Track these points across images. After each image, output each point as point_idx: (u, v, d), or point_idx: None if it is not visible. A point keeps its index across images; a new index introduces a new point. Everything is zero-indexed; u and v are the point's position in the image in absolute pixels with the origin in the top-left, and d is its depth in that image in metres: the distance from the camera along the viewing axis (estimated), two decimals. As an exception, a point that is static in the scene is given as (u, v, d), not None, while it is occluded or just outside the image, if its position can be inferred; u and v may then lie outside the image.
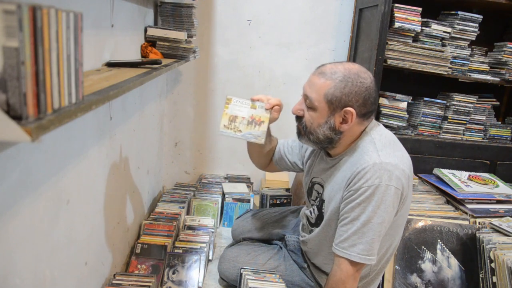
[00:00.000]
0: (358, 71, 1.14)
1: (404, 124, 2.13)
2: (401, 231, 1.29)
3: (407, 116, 2.14)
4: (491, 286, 1.47)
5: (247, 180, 2.40)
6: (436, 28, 2.05)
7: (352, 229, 1.11)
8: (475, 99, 2.19)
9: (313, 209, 1.36)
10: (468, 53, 2.13)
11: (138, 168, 1.72)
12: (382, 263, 1.29)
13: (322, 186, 1.30)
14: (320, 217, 1.32)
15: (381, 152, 1.13)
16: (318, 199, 1.33)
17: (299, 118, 1.23)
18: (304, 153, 1.47)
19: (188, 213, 2.05)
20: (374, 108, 1.18)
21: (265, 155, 1.51)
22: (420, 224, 1.61)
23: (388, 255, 1.28)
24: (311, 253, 1.41)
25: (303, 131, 1.22)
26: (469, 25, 2.09)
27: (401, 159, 1.15)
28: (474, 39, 2.12)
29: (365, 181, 1.10)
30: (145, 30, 1.70)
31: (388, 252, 1.28)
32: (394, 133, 2.08)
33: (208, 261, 1.74)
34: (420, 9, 1.99)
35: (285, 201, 2.15)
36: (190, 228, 1.88)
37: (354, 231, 1.11)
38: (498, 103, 2.30)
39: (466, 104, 2.19)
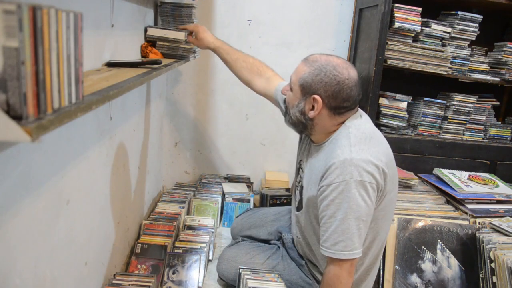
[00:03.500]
0: (337, 65, 1.16)
1: (404, 124, 2.13)
2: (386, 226, 1.29)
3: (407, 116, 2.14)
4: (491, 286, 1.47)
5: (247, 180, 2.40)
6: (436, 28, 2.05)
7: (331, 227, 1.13)
8: (475, 99, 2.19)
9: (297, 193, 1.40)
10: (468, 53, 2.13)
11: (138, 168, 1.72)
12: (370, 258, 1.29)
13: (303, 171, 1.34)
14: (301, 202, 1.35)
15: (353, 147, 1.14)
16: (300, 184, 1.37)
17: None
18: None
19: (188, 213, 2.05)
20: (348, 105, 1.18)
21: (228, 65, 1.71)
22: (420, 224, 1.61)
23: (374, 250, 1.28)
24: (300, 247, 1.43)
25: (286, 111, 1.31)
26: (469, 25, 2.09)
27: (376, 155, 1.14)
28: (474, 39, 2.11)
29: (335, 176, 1.11)
30: (145, 30, 1.70)
31: (373, 247, 1.27)
32: (394, 133, 2.13)
33: (208, 261, 1.74)
34: (420, 9, 1.99)
35: (285, 201, 2.15)
36: (190, 228, 1.88)
37: (334, 230, 1.12)
38: (498, 103, 2.30)
39: (466, 104, 2.19)
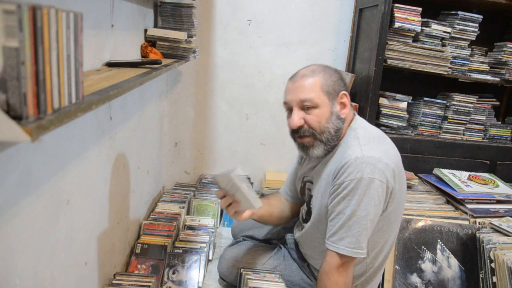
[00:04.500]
0: (324, 65, 1.26)
1: (404, 124, 2.13)
2: (396, 228, 1.30)
3: (407, 116, 2.14)
4: (491, 286, 1.47)
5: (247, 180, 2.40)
6: (436, 28, 2.05)
7: (339, 223, 1.13)
8: (475, 99, 2.19)
9: (304, 205, 1.39)
10: (468, 53, 2.13)
11: (138, 168, 1.72)
12: (379, 260, 1.29)
13: (312, 183, 1.33)
14: (308, 213, 1.34)
15: (364, 146, 1.15)
16: (308, 194, 1.36)
17: (299, 130, 1.21)
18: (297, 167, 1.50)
19: (188, 213, 2.05)
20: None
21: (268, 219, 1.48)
22: (420, 224, 1.61)
23: (384, 252, 1.29)
24: (306, 255, 1.42)
25: (312, 138, 1.21)
26: (469, 25, 2.09)
27: (386, 153, 1.15)
28: (474, 39, 2.11)
29: (347, 175, 1.12)
30: (145, 30, 1.70)
31: (384, 249, 1.28)
32: (394, 133, 2.13)
33: (208, 261, 1.74)
34: (420, 9, 1.99)
35: (285, 201, 2.14)
36: (190, 228, 1.88)
37: (341, 225, 1.12)
38: (498, 103, 2.30)
39: (466, 104, 2.19)
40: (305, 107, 1.18)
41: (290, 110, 1.23)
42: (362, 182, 1.09)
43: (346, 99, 1.22)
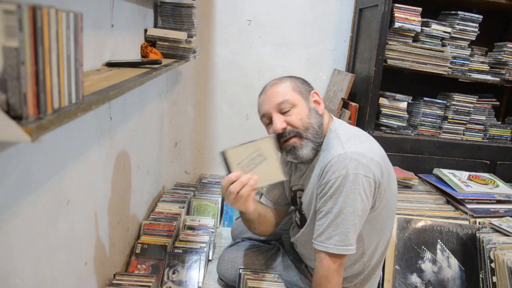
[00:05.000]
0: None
1: (404, 124, 2.13)
2: (390, 225, 1.30)
3: (407, 116, 2.14)
4: (491, 286, 1.47)
5: (247, 180, 2.40)
6: (436, 28, 2.05)
7: (326, 222, 1.12)
8: (475, 99, 2.19)
9: (297, 213, 1.39)
10: (468, 53, 2.13)
11: (138, 168, 1.72)
12: (376, 258, 1.29)
13: (303, 191, 1.32)
14: (303, 219, 1.33)
15: (345, 144, 1.15)
16: (299, 201, 1.35)
17: (284, 133, 1.20)
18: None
19: (188, 213, 2.05)
20: None
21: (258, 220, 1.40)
22: (420, 224, 1.61)
23: (380, 249, 1.29)
24: (303, 256, 1.42)
25: (299, 138, 1.20)
26: (469, 25, 2.09)
27: (369, 148, 1.16)
28: (474, 39, 2.11)
29: (332, 173, 1.11)
30: (145, 30, 1.70)
31: (380, 247, 1.28)
32: (394, 133, 2.13)
33: (208, 261, 1.74)
34: (420, 9, 1.99)
35: (285, 201, 2.14)
36: (190, 228, 1.88)
37: (329, 224, 1.12)
38: (498, 103, 2.30)
39: (466, 104, 2.19)
40: (283, 110, 1.19)
41: (269, 120, 1.23)
42: (347, 179, 1.09)
43: (318, 97, 1.26)
